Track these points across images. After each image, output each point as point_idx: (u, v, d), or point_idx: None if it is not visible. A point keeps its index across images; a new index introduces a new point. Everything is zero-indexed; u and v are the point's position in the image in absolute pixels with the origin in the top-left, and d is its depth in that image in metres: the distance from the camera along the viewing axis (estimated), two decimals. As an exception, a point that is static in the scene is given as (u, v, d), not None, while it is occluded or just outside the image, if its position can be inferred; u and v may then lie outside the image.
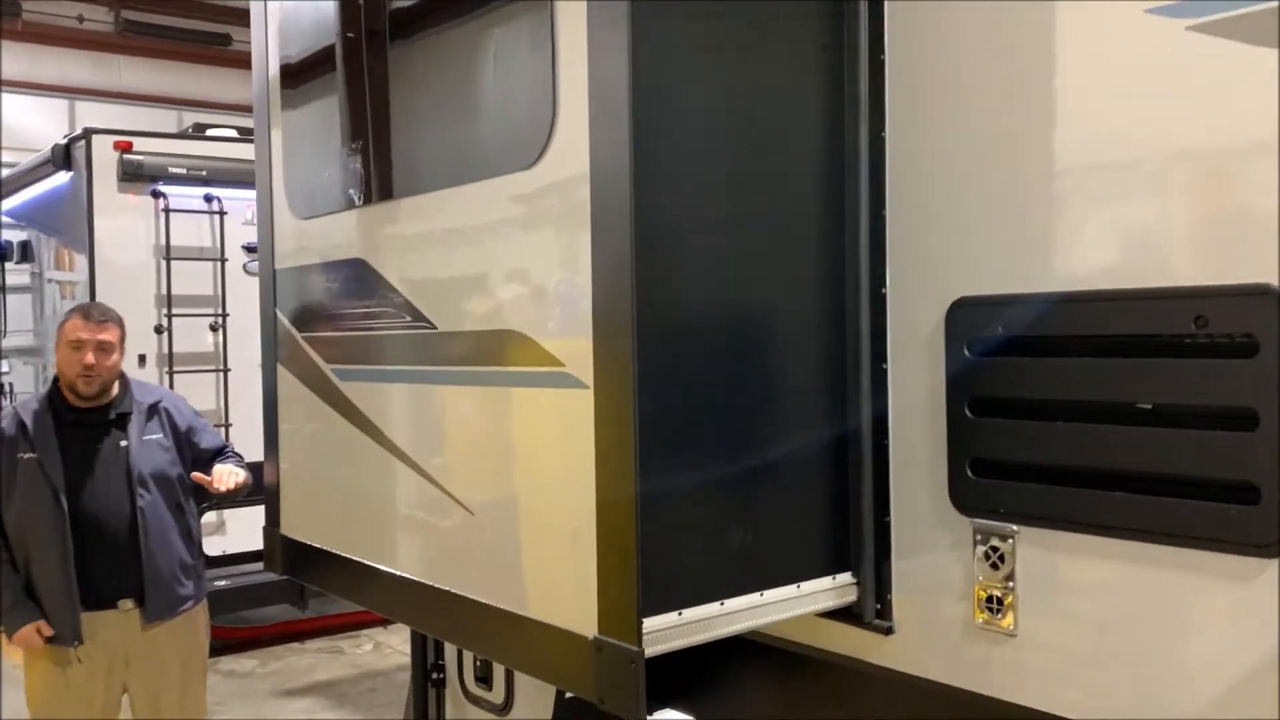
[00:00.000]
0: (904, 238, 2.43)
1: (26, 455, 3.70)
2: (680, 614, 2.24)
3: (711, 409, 2.35)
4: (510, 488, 2.47)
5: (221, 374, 7.06)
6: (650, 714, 5.18)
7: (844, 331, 2.50)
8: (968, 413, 2.31)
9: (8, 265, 8.70)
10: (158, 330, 6.90)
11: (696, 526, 2.31)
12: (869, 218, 2.46)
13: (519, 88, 2.43)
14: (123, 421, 3.83)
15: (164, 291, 6.89)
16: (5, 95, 12.48)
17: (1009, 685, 2.27)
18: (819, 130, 2.46)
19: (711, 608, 2.30)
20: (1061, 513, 2.18)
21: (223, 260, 7.06)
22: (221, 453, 4.04)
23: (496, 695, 3.84)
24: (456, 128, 2.65)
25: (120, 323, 3.86)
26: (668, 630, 2.20)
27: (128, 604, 3.81)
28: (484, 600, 2.49)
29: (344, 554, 3.04)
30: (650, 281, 2.12)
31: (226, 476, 3.84)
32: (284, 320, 3.36)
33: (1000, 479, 2.27)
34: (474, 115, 2.59)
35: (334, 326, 3.09)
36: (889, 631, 2.48)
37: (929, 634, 2.42)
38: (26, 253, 8.30)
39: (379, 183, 2.88)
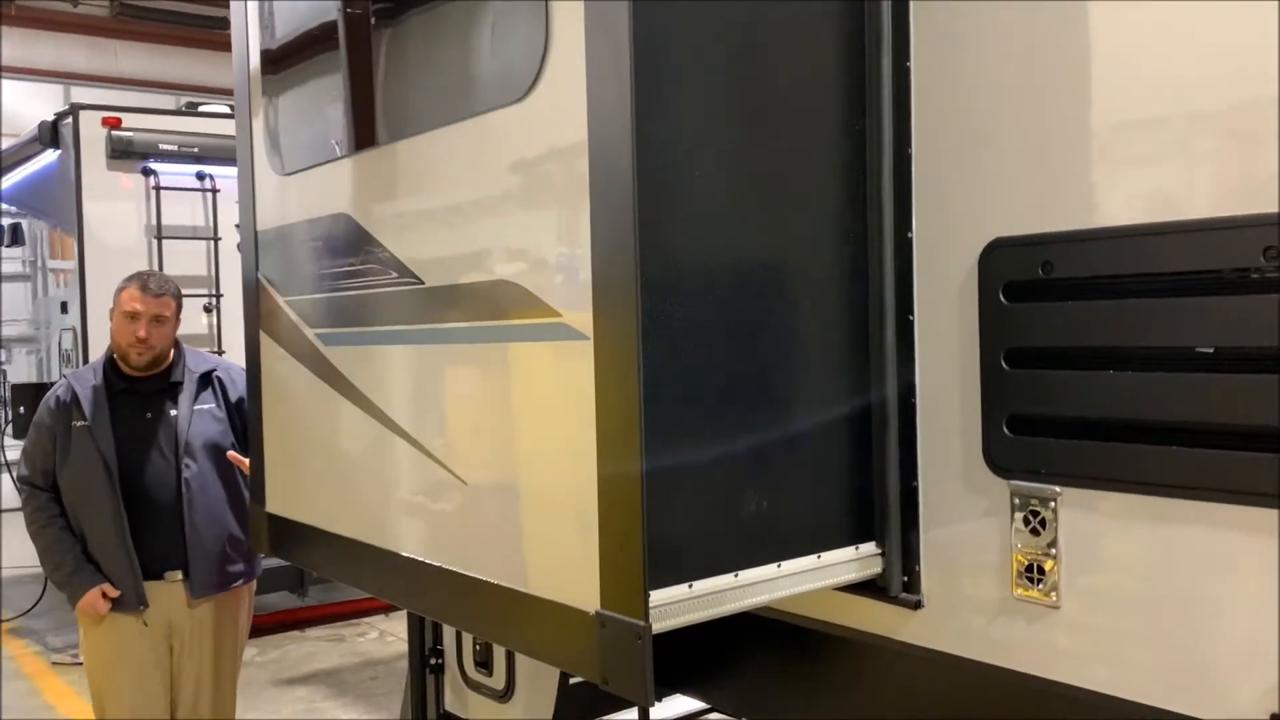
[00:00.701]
0: (931, 177, 2.23)
1: (79, 423, 3.66)
2: (690, 586, 2.05)
3: (722, 363, 2.15)
4: (505, 452, 2.27)
5: (216, 355, 6.86)
6: (658, 699, 5.00)
7: (866, 281, 2.30)
8: (1004, 365, 2.11)
9: (2, 250, 8.53)
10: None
11: (707, 491, 2.11)
12: (892, 157, 2.26)
13: (507, 11, 2.22)
14: (174, 390, 3.76)
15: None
16: (1, 80, 12.31)
17: (1050, 662, 2.07)
18: (835, 59, 2.25)
19: (724, 580, 2.10)
20: (1110, 471, 1.97)
21: (216, 239, 6.88)
22: None
23: (497, 681, 3.65)
24: (440, 64, 2.45)
25: (178, 294, 3.82)
26: (676, 604, 2.01)
27: (175, 575, 3.75)
28: (479, 576, 2.30)
29: (332, 531, 2.85)
30: (653, 223, 1.92)
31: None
32: (266, 284, 3.17)
33: (1041, 436, 2.07)
34: (459, 47, 2.39)
35: (318, 288, 2.90)
36: (917, 606, 2.28)
37: (961, 608, 2.22)
38: (17, 236, 8.14)
39: (362, 130, 2.69)
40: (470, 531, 2.36)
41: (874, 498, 2.32)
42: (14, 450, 7.88)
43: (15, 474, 3.87)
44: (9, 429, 7.77)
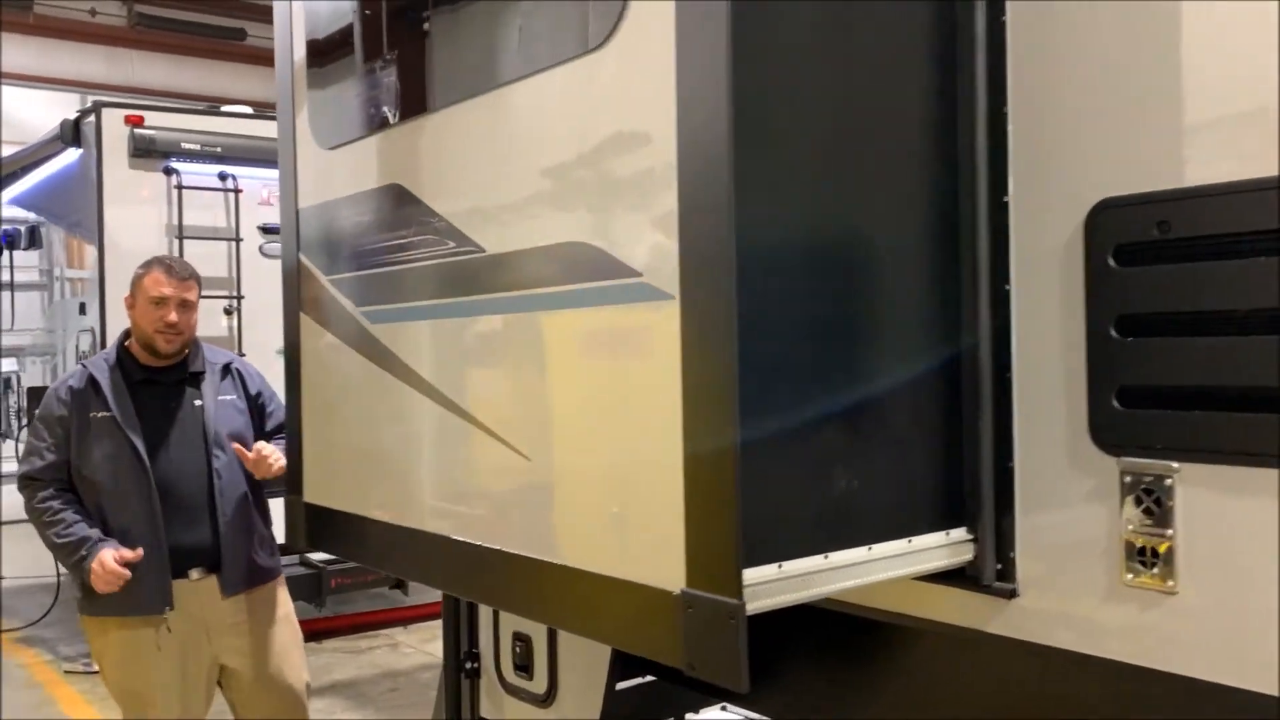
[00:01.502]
0: (1029, 136, 2.10)
1: (101, 414, 3.45)
2: (780, 567, 1.90)
3: (812, 331, 2.02)
4: (574, 426, 2.13)
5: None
6: (694, 712, 4.84)
7: (958, 248, 2.17)
8: (1114, 333, 1.97)
9: (16, 254, 8.42)
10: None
11: (798, 466, 1.97)
12: (987, 115, 2.13)
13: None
14: (196, 381, 3.61)
15: (177, 273, 6.57)
16: (18, 89, 12.27)
17: (1164, 652, 1.92)
18: (927, 13, 2.13)
19: (814, 561, 1.96)
20: (1234, 444, 1.83)
21: (238, 240, 6.76)
22: (281, 433, 3.64)
23: (538, 685, 3.50)
24: (502, 18, 2.32)
25: (199, 278, 3.68)
26: (767, 584, 1.86)
27: (202, 574, 3.55)
28: (543, 558, 2.16)
29: (378, 518, 2.71)
30: (748, 177, 1.79)
31: (272, 459, 3.49)
32: (308, 264, 3.04)
33: (1156, 409, 1.93)
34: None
35: (365, 264, 2.77)
36: (1012, 595, 2.14)
37: (1062, 596, 2.07)
38: (35, 238, 8.03)
39: (416, 96, 2.56)
40: (535, 512, 2.22)
41: (965, 480, 2.18)
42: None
43: (18, 473, 3.58)
44: (22, 433, 7.65)
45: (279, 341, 6.86)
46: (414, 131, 2.57)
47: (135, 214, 6.56)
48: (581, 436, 2.10)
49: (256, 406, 3.77)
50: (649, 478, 1.93)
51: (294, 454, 3.12)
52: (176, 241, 6.56)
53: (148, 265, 3.58)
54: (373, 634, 7.08)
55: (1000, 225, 2.13)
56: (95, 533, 3.40)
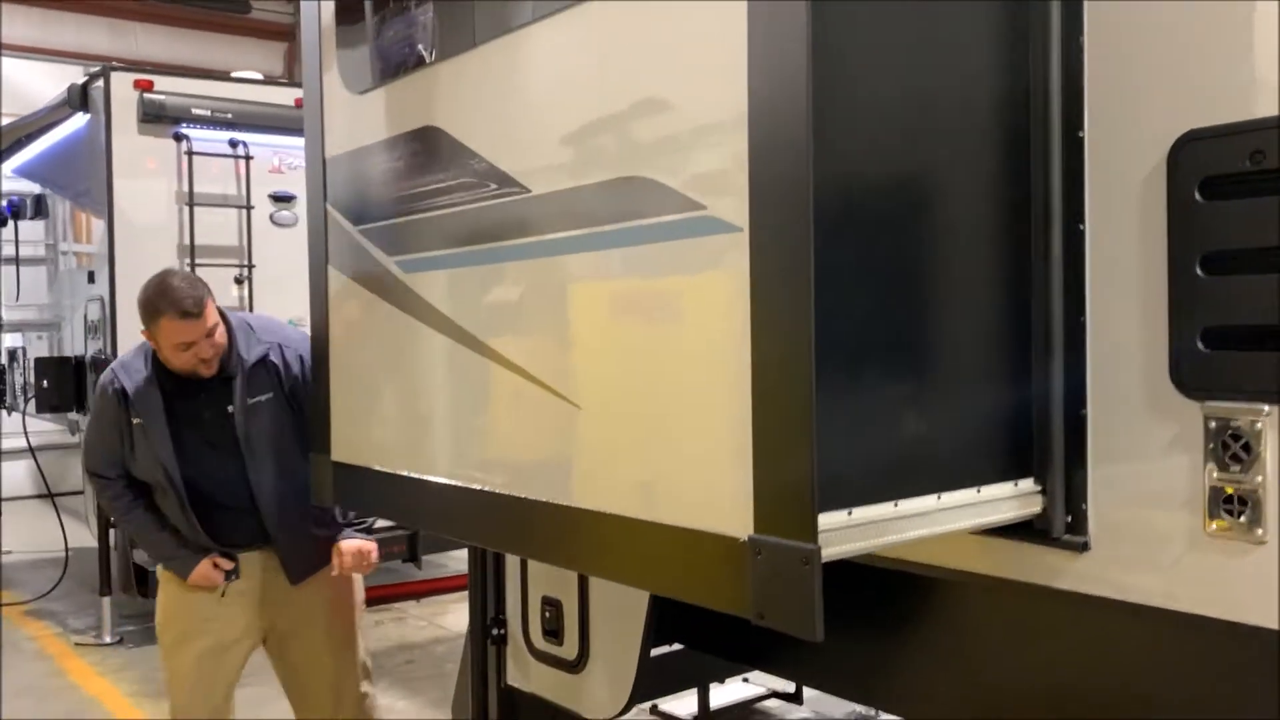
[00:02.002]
0: (1105, 68, 2.00)
1: (136, 421, 3.34)
2: (850, 514, 1.82)
3: (881, 270, 1.92)
4: (629, 370, 2.04)
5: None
6: (718, 683, 4.75)
7: (1029, 187, 2.07)
8: (1199, 272, 1.87)
9: (21, 223, 8.30)
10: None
11: (869, 408, 1.89)
12: (1061, 46, 2.03)
13: None
14: (229, 384, 3.37)
15: (186, 240, 6.48)
16: (20, 60, 12.13)
17: (1252, 605, 1.83)
18: (1001, -60, 2.03)
19: (884, 509, 1.87)
20: (1331, 386, 1.74)
21: (249, 208, 6.65)
22: None
23: (569, 650, 3.42)
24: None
25: (206, 290, 3.28)
26: (838, 531, 1.78)
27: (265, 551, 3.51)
28: (597, 509, 2.07)
29: (413, 475, 2.62)
30: (823, 99, 1.69)
31: (351, 558, 3.44)
32: (336, 215, 2.94)
33: (1245, 350, 1.83)
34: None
35: (398, 212, 2.67)
36: (1083, 548, 2.05)
37: (1138, 548, 1.98)
38: (41, 208, 7.91)
39: (455, 31, 2.46)
40: (588, 462, 2.13)
41: (1034, 429, 2.09)
42: (34, 428, 7.68)
43: (82, 464, 3.56)
44: (30, 405, 7.55)
45: (290, 311, 6.85)
46: (454, 70, 2.46)
47: (145, 181, 6.45)
48: (638, 381, 2.01)
49: (301, 390, 3.48)
50: (713, 421, 1.84)
51: (321, 412, 3.03)
52: (187, 209, 6.45)
53: (153, 310, 3.18)
54: (384, 608, 7.01)
55: (1074, 162, 2.03)
56: (178, 537, 3.43)
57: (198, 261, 6.48)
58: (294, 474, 3.36)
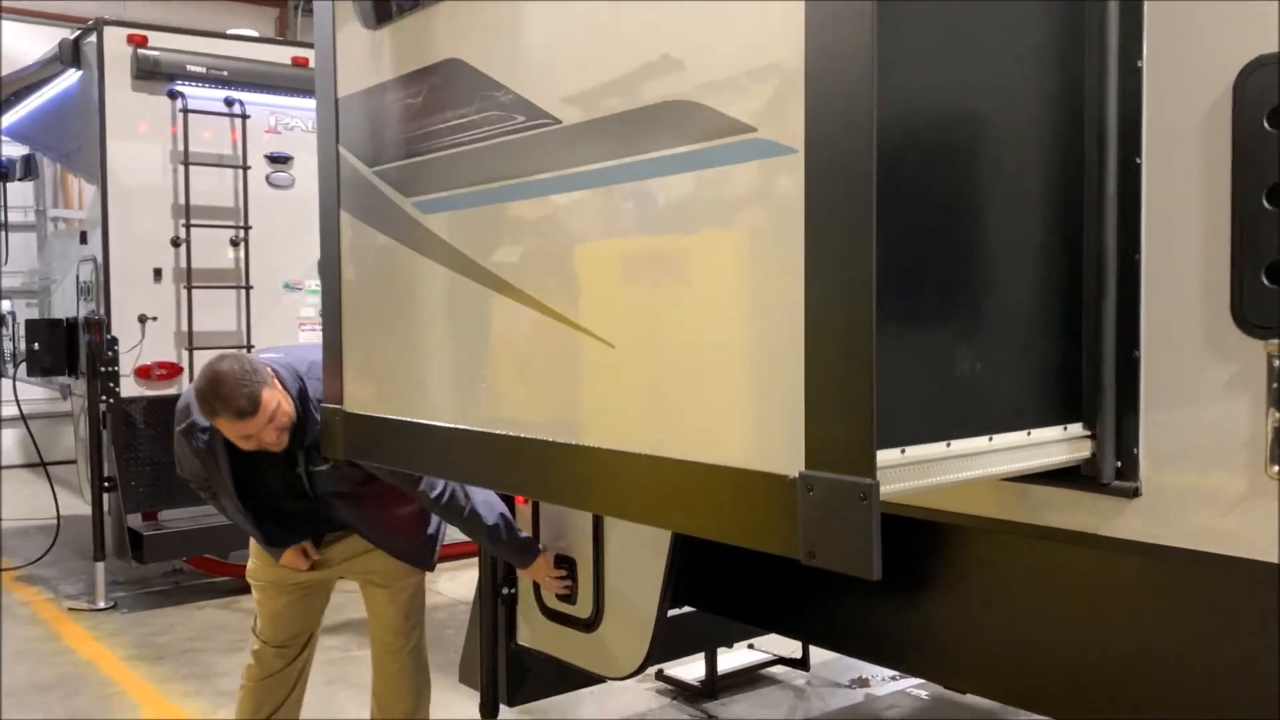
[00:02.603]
0: (1167, -5, 1.92)
1: (217, 476, 3.32)
2: (903, 452, 1.75)
3: (934, 204, 1.85)
4: (668, 305, 1.95)
5: (243, 291, 6.53)
6: (724, 647, 4.70)
7: (1082, 121, 1.99)
8: (1265, 204, 1.80)
9: (10, 187, 8.14)
10: (174, 243, 6.36)
11: (924, 342, 1.81)
12: (1119, -28, 1.95)
13: None
14: (293, 455, 3.26)
15: (182, 200, 6.34)
16: (7, 22, 11.89)
17: (1315, 551, 1.78)
18: None
19: (937, 448, 1.81)
20: (1407, 321, 1.67)
21: (245, 168, 6.52)
22: None
23: (582, 609, 3.35)
24: None
25: (260, 377, 3.02)
26: (892, 469, 1.71)
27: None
28: (632, 450, 1.99)
29: (433, 423, 2.53)
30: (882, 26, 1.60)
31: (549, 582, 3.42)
32: (348, 156, 2.84)
33: (1314, 285, 1.77)
34: None
35: (415, 151, 2.57)
36: (1134, 494, 1.99)
37: (1192, 494, 1.92)
38: (30, 168, 7.74)
39: (481, -41, 2.36)
40: (621, 402, 2.05)
41: (1085, 371, 2.02)
42: (25, 394, 7.55)
43: (177, 471, 3.53)
44: (21, 369, 7.42)
45: (287, 274, 6.75)
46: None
47: (138, 139, 6.30)
48: (679, 317, 1.93)
49: None
50: (761, 355, 1.76)
51: (333, 362, 2.94)
52: (182, 168, 6.31)
53: (209, 410, 3.02)
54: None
55: (1132, 92, 1.95)
56: (268, 530, 3.43)
57: (193, 222, 6.35)
58: (377, 496, 3.37)
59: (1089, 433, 2.02)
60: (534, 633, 3.54)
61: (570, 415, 2.17)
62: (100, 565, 6.28)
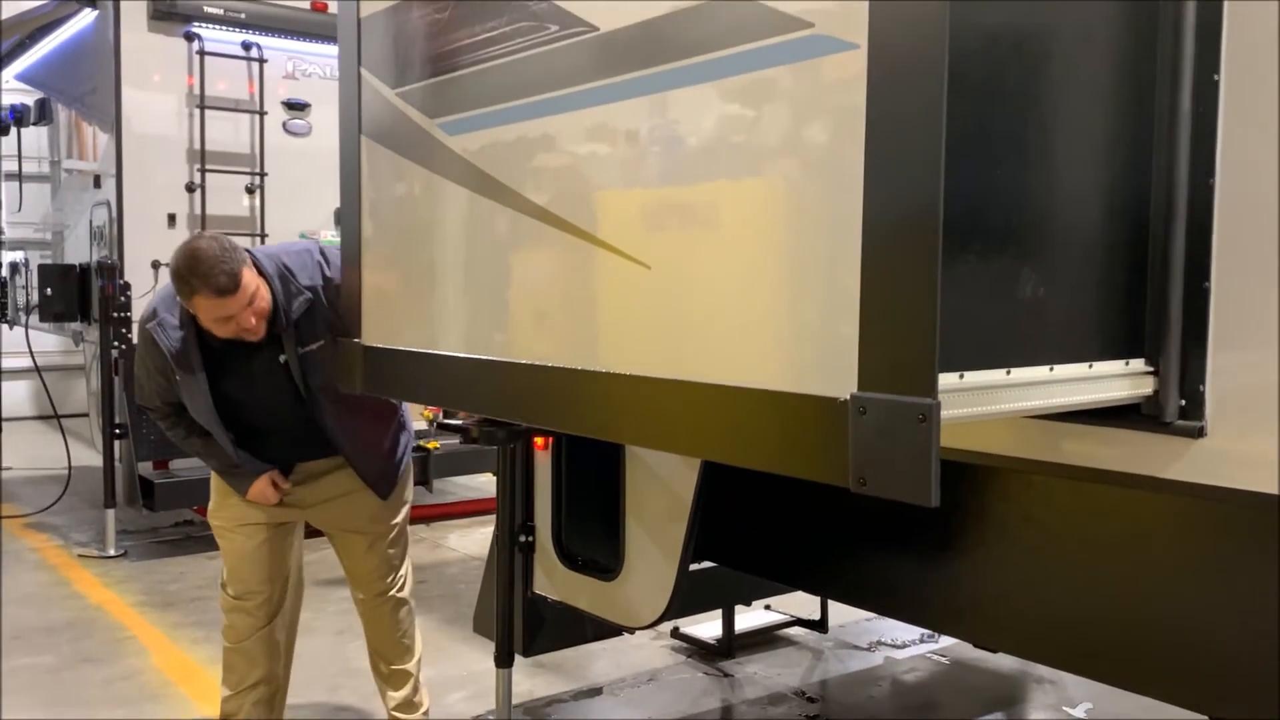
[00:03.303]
0: (1253, -102, 1.79)
1: (187, 376, 3.07)
2: (961, 377, 1.64)
3: (1000, 117, 1.73)
4: (712, 223, 1.84)
5: (258, 239, 6.43)
6: (747, 604, 4.61)
7: (1156, 31, 1.87)
8: (1356, 122, 1.68)
9: (24, 134, 8.03)
10: (189, 188, 6.27)
11: (982, 268, 1.70)
12: (1202, -126, 1.82)
13: None
14: (276, 338, 3.07)
15: (197, 145, 6.24)
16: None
17: (1397, 494, 1.67)
18: None
19: (996, 375, 1.70)
20: None
21: (261, 113, 6.41)
22: None
23: (604, 557, 3.26)
24: None
25: (240, 257, 2.88)
26: (951, 394, 1.60)
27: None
28: (669, 377, 1.88)
29: (456, 354, 2.43)
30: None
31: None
32: (371, 79, 2.73)
33: (1407, 208, 1.65)
34: None
35: (442, 69, 2.46)
36: (1198, 434, 1.87)
37: (1263, 433, 1.80)
38: (45, 111, 7.63)
39: None
40: (655, 326, 1.94)
41: (1150, 304, 1.90)
42: (37, 347, 7.49)
43: (135, 399, 3.35)
44: (31, 317, 7.35)
45: (303, 224, 6.64)
46: (510, -96, 2.24)
47: (154, 81, 6.19)
48: (723, 235, 1.82)
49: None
50: (812, 272, 1.66)
51: (352, 294, 2.84)
52: (197, 112, 6.20)
53: (186, 287, 2.85)
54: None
55: (1211, 10, 1.82)
56: (240, 455, 3.22)
57: (208, 168, 6.25)
58: (361, 405, 3.18)
59: (1152, 369, 1.91)
60: (552, 581, 3.46)
61: (603, 342, 2.07)
62: (110, 512, 6.23)
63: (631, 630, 3.70)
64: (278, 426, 3.22)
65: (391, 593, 3.54)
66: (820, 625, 4.78)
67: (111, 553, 6.16)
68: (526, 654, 3.64)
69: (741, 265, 1.78)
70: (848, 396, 1.58)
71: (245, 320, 2.91)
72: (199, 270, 2.80)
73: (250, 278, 2.88)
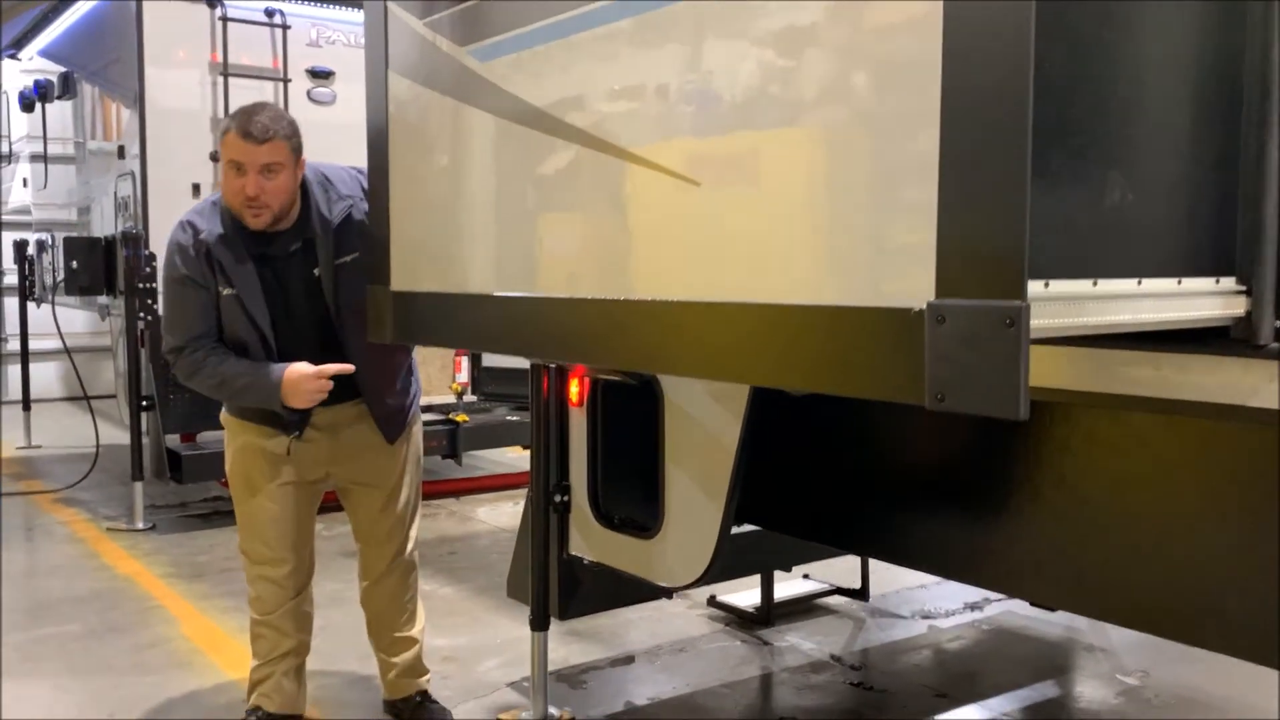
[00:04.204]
0: None
1: (226, 291, 2.98)
2: (1047, 286, 1.51)
3: (1086, 15, 1.59)
4: (770, 130, 1.71)
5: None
6: (786, 570, 4.48)
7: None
8: None
9: (49, 112, 7.99)
10: (213, 157, 6.18)
11: (1068, 171, 1.56)
12: None
13: None
14: (312, 246, 3.00)
15: (220, 114, 6.15)
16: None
17: None
18: None
19: (1082, 286, 1.57)
20: None
21: (285, 80, 6.31)
22: None
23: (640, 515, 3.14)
24: None
25: (293, 132, 2.95)
26: (1037, 304, 1.46)
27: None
28: (723, 300, 1.76)
29: (492, 293, 2.32)
30: None
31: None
32: (397, 10, 2.61)
33: None
34: None
35: (473, -6, 2.33)
36: (1296, 358, 1.73)
37: (1370, 354, 1.66)
38: (69, 86, 7.57)
39: None
40: (707, 246, 1.81)
41: (1242, 220, 1.76)
42: (65, 328, 7.45)
43: (164, 349, 3.16)
44: (58, 290, 7.31)
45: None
46: None
47: (177, 50, 6.11)
48: (782, 143, 1.68)
49: None
50: (882, 176, 1.52)
51: (380, 237, 2.73)
52: (221, 80, 6.12)
53: (230, 119, 2.93)
54: (425, 503, 6.78)
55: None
56: (257, 366, 3.03)
57: (232, 136, 6.16)
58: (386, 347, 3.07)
59: (1244, 288, 1.77)
60: (588, 542, 3.34)
61: (649, 269, 1.94)
62: (139, 485, 6.18)
63: (670, 593, 3.58)
64: (303, 348, 3.03)
65: (404, 554, 3.46)
66: (861, 594, 4.65)
67: (140, 526, 6.12)
68: (562, 617, 3.53)
69: (802, 176, 1.65)
70: (923, 305, 1.45)
71: (251, 185, 2.84)
72: (246, 109, 2.94)
73: (284, 157, 2.91)
